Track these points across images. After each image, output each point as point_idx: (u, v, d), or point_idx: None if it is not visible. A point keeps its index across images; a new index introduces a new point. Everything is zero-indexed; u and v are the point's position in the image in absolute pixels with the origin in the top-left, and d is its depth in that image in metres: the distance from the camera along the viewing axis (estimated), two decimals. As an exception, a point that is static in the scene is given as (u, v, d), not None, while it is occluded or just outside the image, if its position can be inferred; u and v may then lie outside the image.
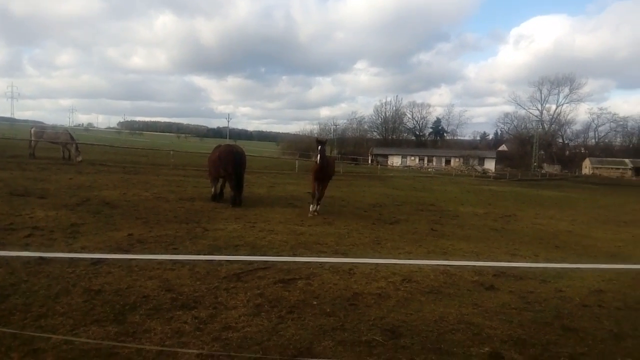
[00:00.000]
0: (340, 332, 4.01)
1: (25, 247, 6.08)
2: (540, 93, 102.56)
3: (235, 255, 6.51)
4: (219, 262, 5.96)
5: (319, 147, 10.51)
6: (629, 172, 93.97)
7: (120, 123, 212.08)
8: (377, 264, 6.55)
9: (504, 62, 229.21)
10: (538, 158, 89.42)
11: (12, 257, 5.52)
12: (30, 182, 12.83)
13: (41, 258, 5.52)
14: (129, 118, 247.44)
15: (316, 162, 10.31)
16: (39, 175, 14.80)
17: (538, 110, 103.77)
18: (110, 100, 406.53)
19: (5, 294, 4.30)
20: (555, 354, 3.89)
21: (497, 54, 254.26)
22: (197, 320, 4.03)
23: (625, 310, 5.29)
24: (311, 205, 11.27)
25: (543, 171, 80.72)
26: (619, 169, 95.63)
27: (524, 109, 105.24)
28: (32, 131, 22.63)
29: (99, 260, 5.65)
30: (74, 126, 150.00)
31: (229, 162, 11.81)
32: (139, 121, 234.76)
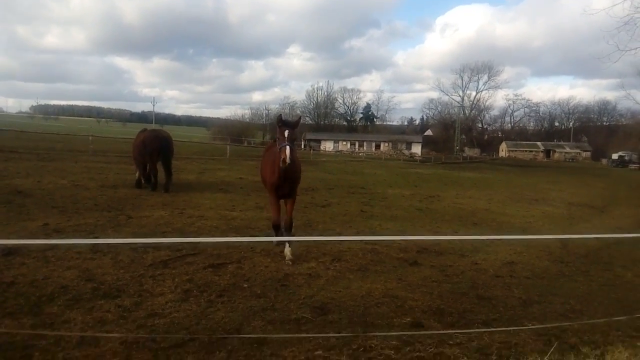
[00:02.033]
0: (270, 312, 4.07)
1: None
2: (462, 80, 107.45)
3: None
4: (145, 250, 5.74)
5: (286, 133, 5.45)
6: (541, 154, 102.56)
7: (32, 107, 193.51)
8: (307, 244, 6.66)
9: (430, 49, 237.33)
10: (460, 142, 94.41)
11: None
12: None
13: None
14: (42, 101, 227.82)
15: (284, 159, 5.22)
16: None
17: (460, 96, 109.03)
18: (21, 82, 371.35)
19: None
20: (470, 320, 4.22)
21: (425, 42, 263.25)
22: (120, 309, 3.90)
23: (532, 279, 5.83)
24: (277, 241, 6.20)
25: (464, 154, 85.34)
26: (532, 151, 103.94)
27: (447, 95, 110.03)
28: None
29: (11, 251, 5.25)
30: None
31: (154, 148, 11.36)
32: (54, 105, 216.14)
